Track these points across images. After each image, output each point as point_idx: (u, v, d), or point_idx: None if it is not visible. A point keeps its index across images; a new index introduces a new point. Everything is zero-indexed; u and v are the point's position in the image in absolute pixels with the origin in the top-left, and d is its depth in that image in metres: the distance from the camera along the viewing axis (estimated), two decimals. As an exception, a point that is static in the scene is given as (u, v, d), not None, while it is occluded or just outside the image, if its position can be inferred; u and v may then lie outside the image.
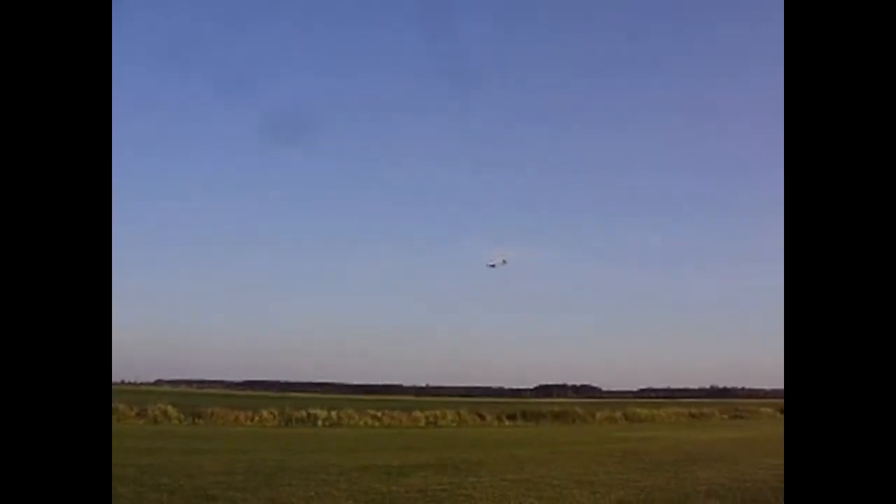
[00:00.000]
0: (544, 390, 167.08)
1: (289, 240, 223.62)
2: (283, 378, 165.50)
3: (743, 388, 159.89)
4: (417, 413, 52.50)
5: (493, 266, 53.94)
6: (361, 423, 48.63)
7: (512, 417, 55.86)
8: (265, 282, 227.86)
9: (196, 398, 64.62)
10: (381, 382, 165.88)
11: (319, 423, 46.87)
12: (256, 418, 46.25)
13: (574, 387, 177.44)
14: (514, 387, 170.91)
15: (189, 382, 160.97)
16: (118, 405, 44.32)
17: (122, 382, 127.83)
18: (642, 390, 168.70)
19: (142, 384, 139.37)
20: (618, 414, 61.82)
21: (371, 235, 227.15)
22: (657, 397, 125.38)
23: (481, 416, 55.22)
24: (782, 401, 56.51)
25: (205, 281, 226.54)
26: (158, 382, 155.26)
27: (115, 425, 39.61)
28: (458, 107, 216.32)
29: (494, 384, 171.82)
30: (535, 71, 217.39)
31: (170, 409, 45.26)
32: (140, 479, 16.46)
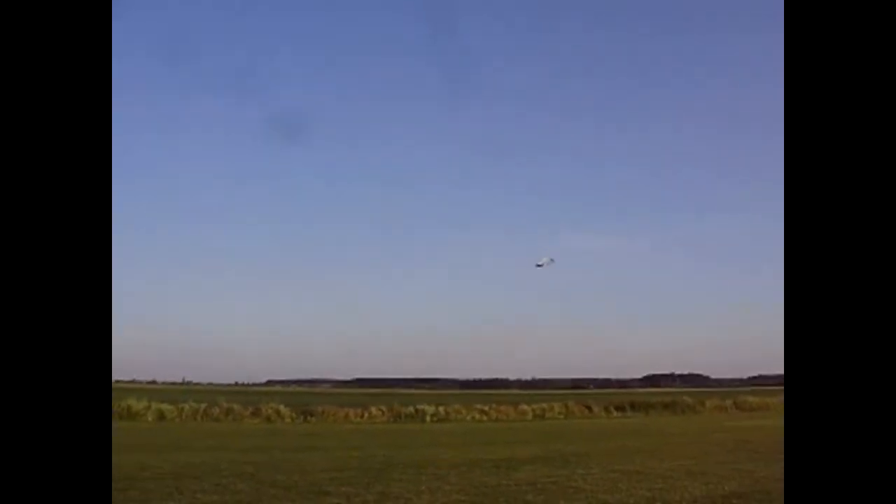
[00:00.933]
0: (651, 380, 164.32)
1: (386, 241, 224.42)
2: (390, 375, 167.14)
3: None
4: (524, 406, 52.46)
5: (540, 266, 52.98)
6: (469, 417, 48.96)
7: (620, 408, 55.27)
8: (366, 281, 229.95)
9: (306, 397, 66.02)
10: (487, 377, 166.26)
11: (427, 418, 47.35)
12: (366, 415, 46.98)
13: (682, 376, 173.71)
14: (621, 377, 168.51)
15: (299, 382, 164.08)
16: (233, 405, 45.89)
17: (236, 384, 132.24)
18: (753, 378, 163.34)
19: (253, 384, 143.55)
20: (728, 402, 60.49)
21: (461, 229, 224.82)
22: (770, 385, 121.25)
23: (589, 408, 54.85)
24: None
25: (307, 283, 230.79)
26: (269, 383, 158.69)
27: (230, 425, 41.16)
28: (476, 101, 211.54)
29: (601, 375, 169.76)
30: (551, 63, 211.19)
31: (282, 408, 46.39)
32: (257, 475, 17.01)
